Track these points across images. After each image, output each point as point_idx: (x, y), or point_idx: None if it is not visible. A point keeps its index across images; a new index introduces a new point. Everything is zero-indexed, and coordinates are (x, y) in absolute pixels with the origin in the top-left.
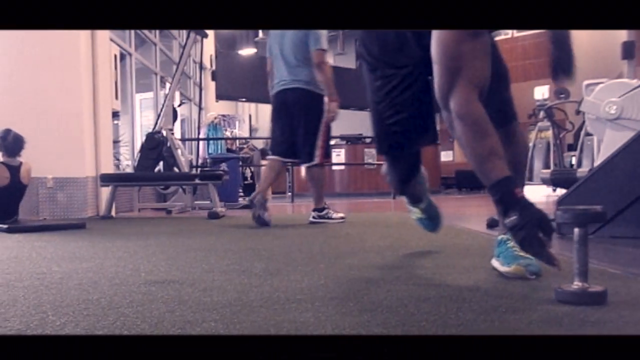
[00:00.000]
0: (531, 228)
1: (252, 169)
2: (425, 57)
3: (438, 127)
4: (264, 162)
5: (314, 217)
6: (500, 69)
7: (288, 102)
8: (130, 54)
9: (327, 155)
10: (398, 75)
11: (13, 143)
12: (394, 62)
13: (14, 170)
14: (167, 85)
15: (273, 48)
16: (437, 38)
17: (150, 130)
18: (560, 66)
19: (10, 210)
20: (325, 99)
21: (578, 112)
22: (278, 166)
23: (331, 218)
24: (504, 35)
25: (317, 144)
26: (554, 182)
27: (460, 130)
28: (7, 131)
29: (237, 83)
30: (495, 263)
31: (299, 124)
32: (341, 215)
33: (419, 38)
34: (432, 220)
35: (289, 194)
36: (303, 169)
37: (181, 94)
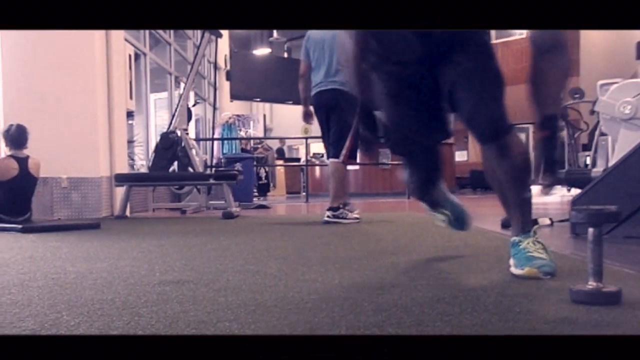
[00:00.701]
0: None
1: (267, 168)
2: (429, 54)
3: (452, 128)
4: (278, 162)
5: (328, 217)
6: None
7: (324, 103)
8: (144, 54)
9: (352, 156)
10: (402, 73)
11: (17, 134)
12: (397, 60)
13: (22, 162)
14: (182, 85)
15: (312, 53)
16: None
17: (164, 130)
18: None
19: (23, 205)
20: None
21: (592, 112)
22: (340, 167)
23: (346, 218)
24: (518, 36)
25: (346, 144)
26: (568, 181)
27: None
28: (10, 125)
29: (252, 83)
30: (511, 263)
31: (333, 121)
32: (356, 215)
33: (421, 35)
34: (459, 220)
35: (304, 193)
36: (329, 164)
37: (196, 94)
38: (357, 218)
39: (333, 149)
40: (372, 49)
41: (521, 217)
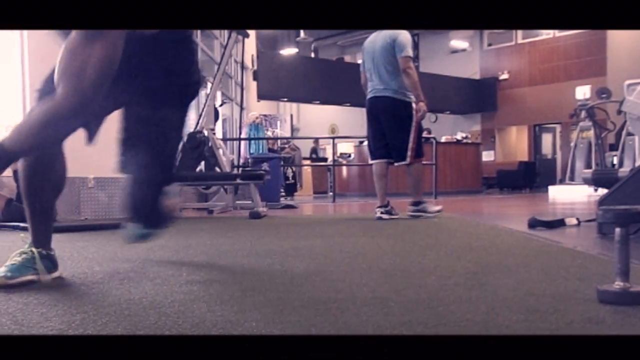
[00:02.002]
0: None
1: (294, 168)
2: None
3: (479, 128)
4: (305, 162)
5: (411, 211)
6: None
7: (379, 109)
8: None
9: (418, 155)
10: None
11: None
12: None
13: None
14: (209, 85)
15: (367, 62)
16: None
17: (191, 130)
18: None
19: None
20: (413, 104)
21: (619, 112)
22: (383, 168)
23: (427, 211)
24: (545, 36)
25: (409, 145)
26: (595, 181)
27: None
28: None
29: (279, 83)
30: None
31: (390, 129)
32: (438, 208)
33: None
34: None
35: (331, 193)
36: (405, 167)
37: (222, 94)
38: (439, 210)
39: (395, 153)
40: None
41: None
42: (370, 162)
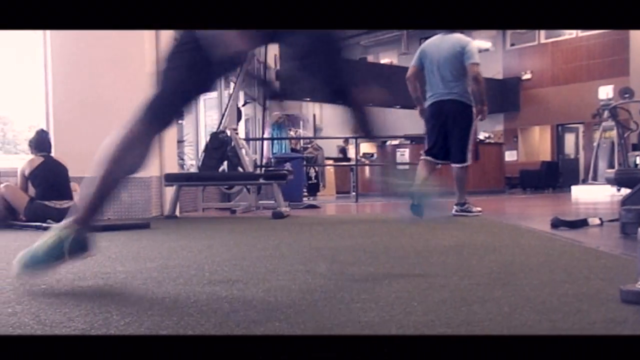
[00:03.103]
0: None
1: (317, 168)
2: None
3: (501, 128)
4: (328, 162)
5: (456, 211)
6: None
7: (444, 112)
8: None
9: (477, 157)
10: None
11: (40, 139)
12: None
13: (46, 155)
14: (232, 84)
15: (425, 62)
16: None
17: (214, 129)
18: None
19: (59, 189)
20: (474, 109)
21: None
22: (431, 166)
23: (470, 211)
24: (567, 36)
25: (469, 147)
26: (618, 181)
27: None
28: (36, 132)
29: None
30: None
31: (452, 131)
32: (479, 209)
33: None
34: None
35: (353, 193)
36: (453, 168)
37: (245, 94)
38: (480, 211)
39: (456, 155)
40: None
41: None
42: (422, 158)
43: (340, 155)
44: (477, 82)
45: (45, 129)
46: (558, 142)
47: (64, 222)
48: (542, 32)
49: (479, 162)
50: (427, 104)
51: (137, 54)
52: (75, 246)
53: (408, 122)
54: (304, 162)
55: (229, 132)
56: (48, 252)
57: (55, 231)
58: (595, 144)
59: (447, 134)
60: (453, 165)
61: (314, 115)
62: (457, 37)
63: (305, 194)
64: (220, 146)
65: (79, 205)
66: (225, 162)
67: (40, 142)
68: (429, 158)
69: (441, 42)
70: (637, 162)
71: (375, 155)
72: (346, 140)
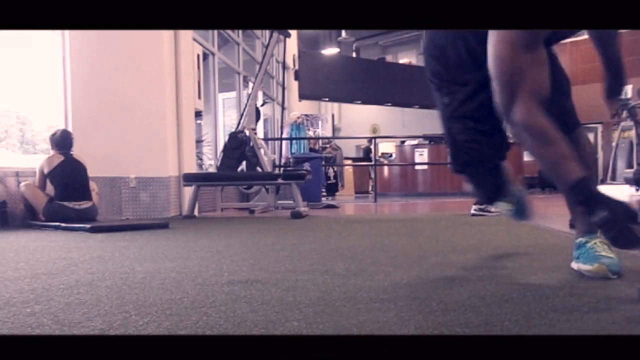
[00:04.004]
0: (623, 221)
1: (335, 168)
2: (486, 76)
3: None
4: (347, 162)
5: (475, 210)
6: (561, 79)
7: None
8: (213, 54)
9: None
10: (463, 91)
11: (62, 138)
12: (457, 80)
13: (66, 154)
14: (250, 84)
15: None
16: (492, 53)
17: (233, 129)
18: (612, 90)
19: (79, 190)
20: None
21: None
22: None
23: (490, 211)
24: (587, 35)
25: None
26: (637, 181)
27: (527, 141)
28: (56, 129)
29: (320, 82)
30: (575, 265)
31: None
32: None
33: (476, 58)
34: (520, 210)
35: (372, 193)
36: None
37: (264, 94)
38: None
39: None
40: (431, 71)
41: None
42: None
43: (362, 155)
44: None
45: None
46: None
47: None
48: None
49: None
50: None
51: (156, 55)
52: None
53: (426, 121)
54: (323, 162)
55: (247, 132)
56: None
57: None
58: (613, 143)
59: None
60: None
61: (333, 115)
62: None
63: (324, 193)
64: (239, 146)
65: None
66: (244, 162)
67: (62, 141)
68: None
69: None
70: None
71: (393, 155)
72: (370, 140)
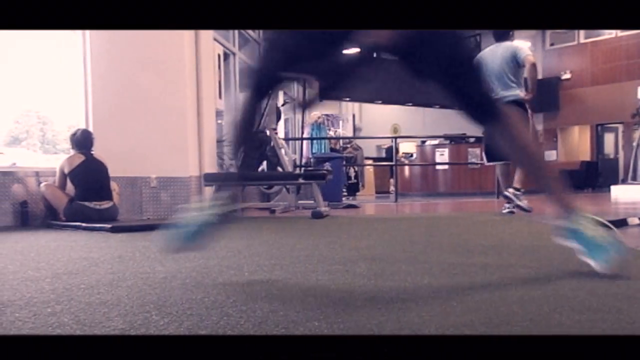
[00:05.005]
0: None
1: (356, 168)
2: None
3: (541, 128)
4: (368, 162)
5: (510, 208)
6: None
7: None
8: (233, 54)
9: None
10: None
11: (82, 138)
12: None
13: (87, 153)
14: None
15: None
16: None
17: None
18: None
19: (99, 189)
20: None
21: None
22: (506, 167)
23: (525, 209)
24: (607, 35)
25: None
26: None
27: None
28: (77, 129)
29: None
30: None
31: None
32: (530, 206)
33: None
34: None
35: (393, 193)
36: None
37: (285, 94)
38: (530, 209)
39: None
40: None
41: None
42: (489, 163)
43: (385, 155)
44: (533, 69)
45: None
46: (597, 142)
47: None
48: (582, 32)
49: None
50: None
51: (176, 55)
52: None
53: (447, 121)
54: (344, 162)
55: (268, 132)
56: None
57: None
58: (634, 143)
59: None
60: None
61: (354, 115)
62: (507, 45)
63: (345, 193)
64: (259, 146)
65: None
66: (265, 162)
67: (83, 141)
68: (500, 162)
69: (494, 52)
70: None
71: (414, 155)
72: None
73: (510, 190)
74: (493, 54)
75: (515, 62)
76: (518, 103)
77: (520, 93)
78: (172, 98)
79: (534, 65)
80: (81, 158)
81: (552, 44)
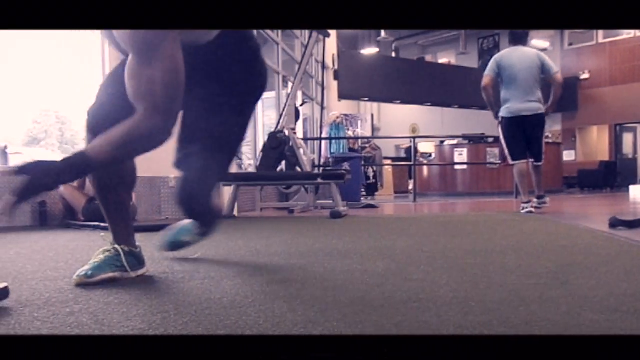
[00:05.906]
0: None
1: (375, 168)
2: None
3: (560, 128)
4: (386, 162)
5: (537, 204)
6: None
7: (527, 119)
8: None
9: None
10: None
11: None
12: None
13: None
14: (290, 84)
15: (504, 73)
16: None
17: (272, 129)
18: None
19: None
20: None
21: None
22: (526, 167)
23: (547, 204)
24: (625, 35)
25: (543, 149)
26: None
27: None
28: None
29: (360, 82)
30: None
31: (532, 134)
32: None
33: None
34: None
35: (412, 193)
36: (531, 166)
37: (303, 93)
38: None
39: (536, 154)
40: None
41: None
42: (512, 162)
43: (405, 155)
44: (560, 88)
45: None
46: (616, 142)
47: None
48: (600, 32)
49: None
50: (506, 111)
51: None
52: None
53: (466, 121)
54: (362, 162)
55: (287, 132)
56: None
57: None
58: None
59: (526, 137)
60: (534, 164)
61: (372, 115)
62: (534, 52)
63: (364, 193)
64: (278, 146)
65: None
66: (283, 162)
67: None
68: (520, 161)
69: (520, 56)
70: None
71: (433, 155)
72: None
73: (535, 200)
74: (520, 58)
75: (541, 71)
76: (540, 112)
77: (540, 99)
78: None
79: (561, 85)
80: None
81: (570, 44)
